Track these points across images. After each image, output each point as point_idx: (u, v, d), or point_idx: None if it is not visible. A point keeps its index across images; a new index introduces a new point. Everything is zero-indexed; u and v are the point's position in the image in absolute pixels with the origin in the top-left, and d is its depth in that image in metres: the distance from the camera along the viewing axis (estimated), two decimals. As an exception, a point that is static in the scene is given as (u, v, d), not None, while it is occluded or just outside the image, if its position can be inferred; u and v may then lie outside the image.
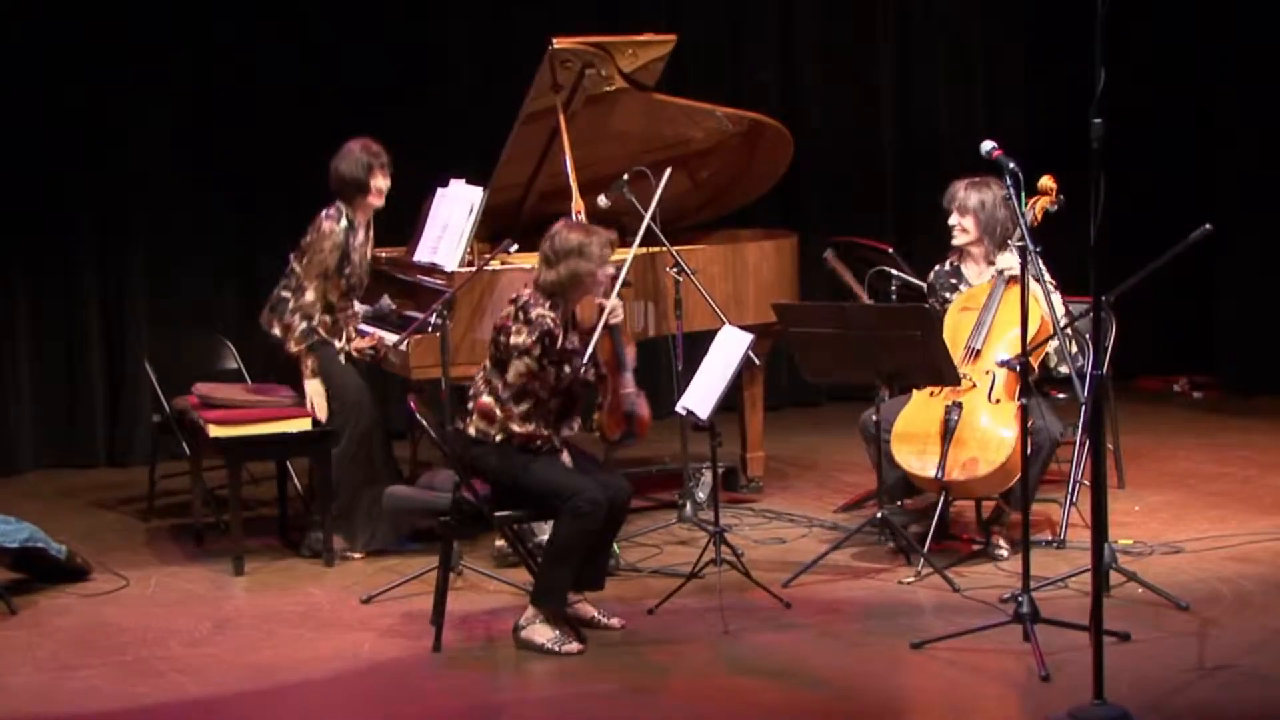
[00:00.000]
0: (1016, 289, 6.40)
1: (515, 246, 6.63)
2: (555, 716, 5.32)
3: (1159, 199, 9.90)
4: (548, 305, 5.78)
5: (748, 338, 6.22)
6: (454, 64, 9.47)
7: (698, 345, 6.59)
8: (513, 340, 5.73)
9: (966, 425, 6.47)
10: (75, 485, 8.57)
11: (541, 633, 5.75)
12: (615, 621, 5.97)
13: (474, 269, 6.77)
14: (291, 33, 9.05)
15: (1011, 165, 5.61)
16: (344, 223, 6.76)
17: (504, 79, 7.90)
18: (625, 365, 5.92)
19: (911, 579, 6.39)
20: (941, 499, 6.59)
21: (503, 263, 6.87)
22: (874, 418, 6.55)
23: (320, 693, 5.56)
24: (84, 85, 8.79)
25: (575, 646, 5.73)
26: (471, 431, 5.85)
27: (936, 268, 7.01)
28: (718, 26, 9.99)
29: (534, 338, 5.71)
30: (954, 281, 6.92)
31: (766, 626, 5.96)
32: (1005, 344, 6.54)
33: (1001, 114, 9.98)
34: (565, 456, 5.84)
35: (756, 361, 7.06)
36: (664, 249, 7.04)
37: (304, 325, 6.78)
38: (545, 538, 6.83)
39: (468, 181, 7.05)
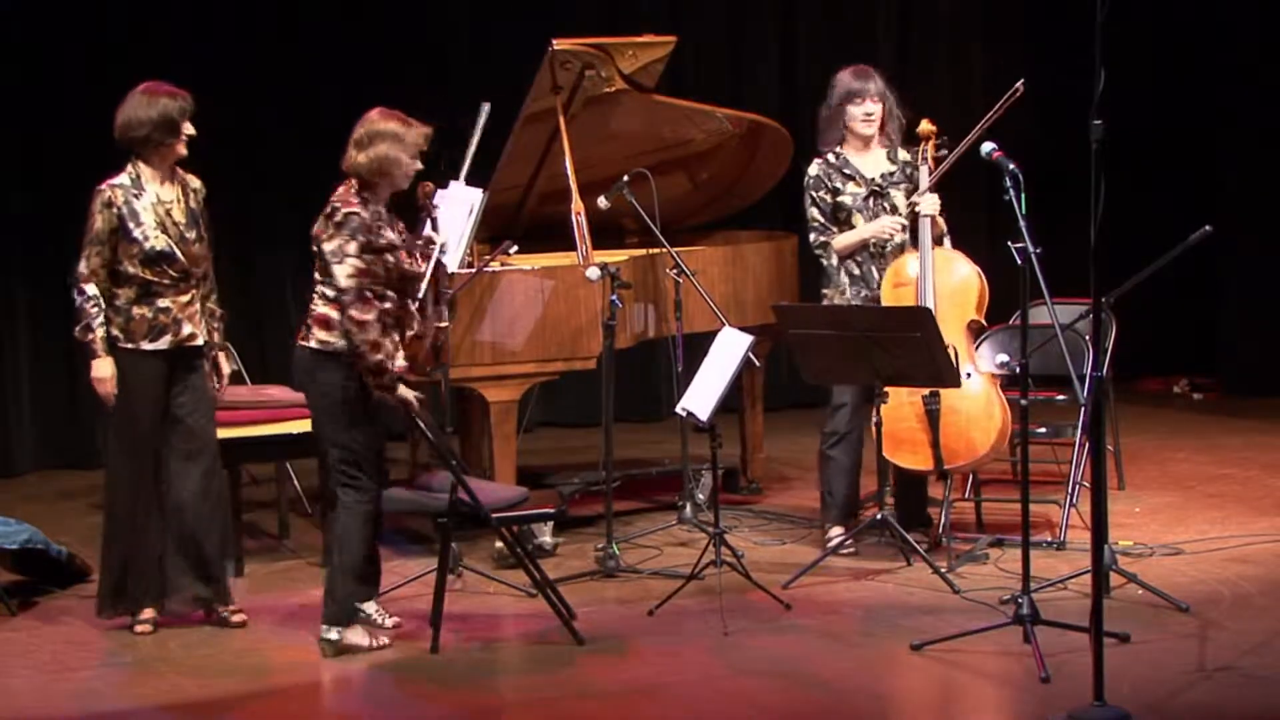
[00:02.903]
0: (941, 253, 6.70)
1: (515, 248, 6.63)
2: (553, 717, 5.32)
3: (1159, 199, 9.91)
4: (357, 201, 5.71)
5: (748, 339, 6.22)
6: (454, 64, 9.48)
7: (698, 347, 6.60)
8: (327, 246, 5.67)
9: (950, 408, 6.51)
10: (75, 487, 8.58)
11: (357, 635, 5.79)
12: (390, 621, 5.99)
13: (474, 270, 6.77)
14: (290, 33, 9.06)
15: (1011, 166, 5.61)
16: (124, 179, 5.96)
17: (504, 80, 7.90)
18: (442, 300, 5.97)
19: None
20: (946, 494, 6.71)
21: (502, 264, 6.87)
22: (876, 420, 6.54)
23: (319, 694, 5.56)
24: (84, 85, 8.79)
25: (386, 639, 5.82)
26: (313, 345, 5.72)
27: (818, 162, 6.88)
28: (717, 27, 10.00)
29: (349, 237, 5.64)
30: (847, 172, 6.85)
31: (766, 628, 5.96)
32: (954, 317, 6.58)
33: (1002, 113, 9.98)
34: (406, 392, 5.74)
35: (756, 363, 7.07)
36: (664, 250, 7.04)
37: (78, 298, 5.94)
38: (545, 539, 6.86)
39: (467, 182, 7.05)
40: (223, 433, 6.72)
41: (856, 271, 6.85)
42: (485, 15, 9.54)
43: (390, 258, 5.75)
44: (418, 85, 9.22)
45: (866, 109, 6.82)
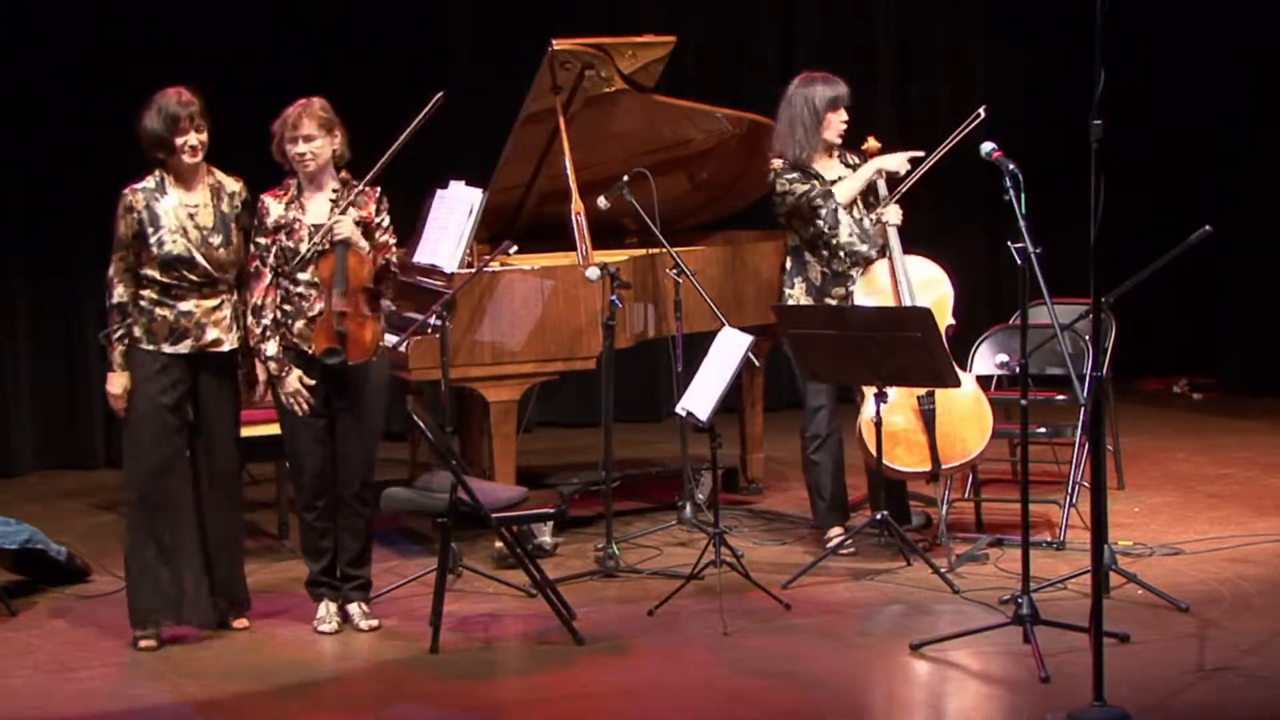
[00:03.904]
0: (911, 261, 6.75)
1: (515, 248, 6.63)
2: (553, 717, 5.32)
3: (1159, 199, 9.91)
4: (275, 189, 6.00)
5: (747, 339, 6.23)
6: (454, 64, 9.48)
7: (697, 347, 6.60)
8: None
9: (944, 409, 6.53)
10: (75, 487, 8.58)
11: (319, 612, 6.10)
12: (366, 624, 6.06)
13: (474, 270, 6.77)
14: (291, 33, 9.06)
15: (1011, 166, 5.61)
16: (149, 182, 5.87)
17: (504, 79, 7.90)
18: (342, 284, 5.87)
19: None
20: (944, 494, 6.73)
21: (502, 264, 6.87)
22: (874, 418, 6.53)
23: (319, 694, 5.56)
24: (84, 85, 8.79)
25: (328, 629, 6.03)
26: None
27: (779, 160, 6.85)
28: (718, 27, 10.00)
29: (252, 223, 5.96)
30: (810, 173, 6.83)
31: (766, 628, 5.96)
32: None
33: (1002, 114, 10.00)
34: (291, 383, 5.90)
35: (756, 363, 7.07)
36: (664, 250, 7.04)
37: (108, 302, 5.90)
38: (545, 539, 6.87)
39: (467, 183, 7.05)
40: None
41: (818, 281, 6.83)
42: (485, 15, 9.54)
43: (283, 237, 5.93)
44: (418, 85, 9.21)
45: (843, 116, 6.87)
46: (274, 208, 5.96)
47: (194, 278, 5.86)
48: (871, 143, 6.89)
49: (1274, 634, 5.66)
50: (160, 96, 5.88)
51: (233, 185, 6.03)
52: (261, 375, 6.05)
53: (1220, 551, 6.67)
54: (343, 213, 5.93)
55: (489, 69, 9.32)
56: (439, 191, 7.21)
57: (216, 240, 5.89)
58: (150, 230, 5.82)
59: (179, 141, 5.84)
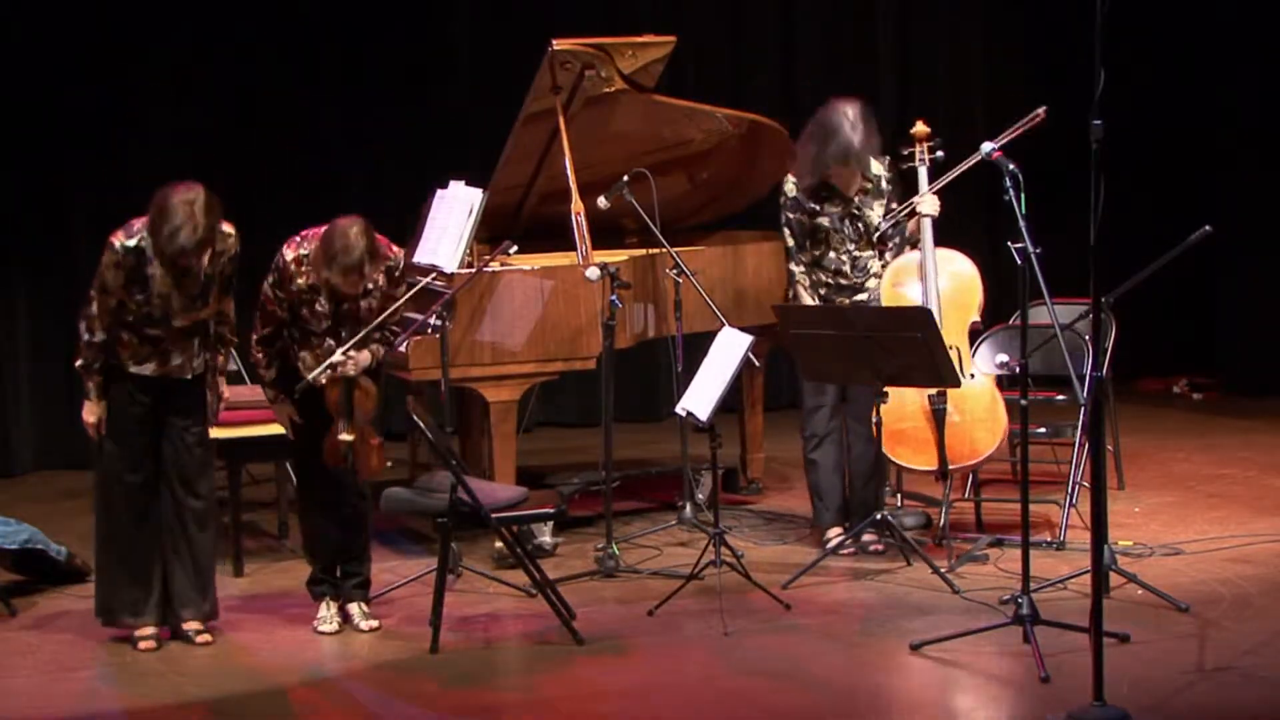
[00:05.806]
0: (942, 254, 6.71)
1: (515, 248, 6.63)
2: (553, 717, 5.32)
3: (1159, 199, 9.91)
4: (296, 252, 5.91)
5: (747, 339, 6.23)
6: (454, 64, 9.49)
7: (698, 347, 6.60)
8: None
9: (955, 409, 6.53)
10: (75, 487, 8.56)
11: (319, 612, 6.12)
12: (367, 625, 6.08)
13: (474, 270, 6.77)
14: (292, 35, 9.06)
15: (1011, 166, 5.61)
16: (141, 243, 5.68)
17: (504, 79, 7.90)
18: (348, 417, 5.89)
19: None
20: (947, 494, 6.72)
21: (502, 264, 6.87)
22: (876, 419, 6.53)
23: (319, 694, 5.55)
24: (84, 85, 8.80)
25: (328, 629, 6.05)
26: None
27: (794, 180, 6.86)
28: (717, 27, 10.01)
29: (271, 270, 5.93)
30: (825, 194, 6.84)
31: (766, 628, 5.96)
32: (956, 319, 6.65)
33: (1002, 114, 10.00)
34: (279, 411, 6.05)
35: (756, 363, 7.07)
36: (664, 250, 7.04)
37: (85, 337, 5.82)
38: (545, 539, 6.87)
39: (467, 183, 7.05)
40: (223, 433, 6.74)
41: (822, 291, 6.86)
42: (485, 15, 9.54)
43: (305, 312, 5.93)
44: (418, 85, 9.24)
45: (848, 176, 6.79)
46: (296, 278, 5.89)
47: (161, 331, 5.81)
48: (920, 127, 6.81)
49: (1274, 634, 5.66)
50: (169, 206, 5.59)
51: (222, 243, 5.78)
52: (223, 392, 6.03)
53: (1220, 551, 6.67)
54: (355, 349, 5.89)
55: (489, 69, 9.32)
56: (439, 191, 7.20)
57: (199, 304, 5.81)
58: (135, 289, 5.73)
59: (181, 265, 5.66)
